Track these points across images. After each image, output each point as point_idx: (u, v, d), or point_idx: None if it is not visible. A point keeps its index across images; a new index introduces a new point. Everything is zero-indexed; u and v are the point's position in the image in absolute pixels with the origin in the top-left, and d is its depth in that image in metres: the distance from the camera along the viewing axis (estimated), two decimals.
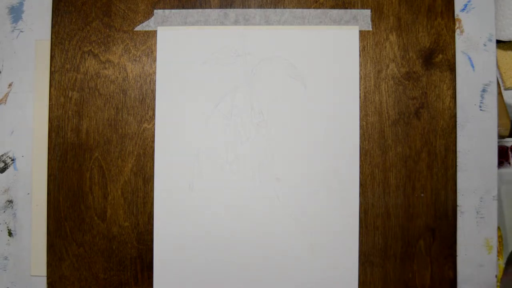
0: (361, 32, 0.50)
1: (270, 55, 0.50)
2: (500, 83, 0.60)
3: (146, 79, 0.50)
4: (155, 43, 0.51)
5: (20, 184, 0.51)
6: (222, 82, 0.50)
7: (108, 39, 0.51)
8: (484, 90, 0.51)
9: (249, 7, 0.51)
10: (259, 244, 0.49)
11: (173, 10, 0.51)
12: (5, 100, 0.51)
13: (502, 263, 0.55)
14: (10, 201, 0.51)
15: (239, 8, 0.51)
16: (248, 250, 0.49)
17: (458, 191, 0.50)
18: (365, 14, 0.50)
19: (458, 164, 0.50)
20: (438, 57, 0.50)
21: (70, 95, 0.50)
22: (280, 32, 0.50)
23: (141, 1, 0.51)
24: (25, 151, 0.51)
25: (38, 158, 0.51)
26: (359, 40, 0.50)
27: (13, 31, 0.52)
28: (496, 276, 0.50)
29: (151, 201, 0.49)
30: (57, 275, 0.50)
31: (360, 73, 0.50)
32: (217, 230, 0.49)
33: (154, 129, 0.50)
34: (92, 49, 0.51)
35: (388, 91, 0.50)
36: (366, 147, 0.50)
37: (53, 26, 0.51)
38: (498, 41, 0.57)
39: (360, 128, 0.50)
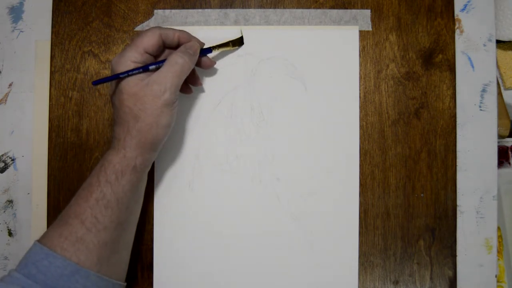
0: (361, 32, 0.50)
1: (270, 55, 0.50)
2: (500, 83, 0.60)
3: None
4: None
5: (20, 184, 0.51)
6: (222, 82, 0.50)
7: (108, 39, 0.51)
8: (484, 90, 0.51)
9: (249, 7, 0.51)
10: (259, 244, 0.49)
11: (173, 10, 0.51)
12: (5, 100, 0.51)
13: (502, 263, 0.55)
14: (10, 201, 0.51)
15: (239, 8, 0.51)
16: (248, 250, 0.49)
17: (458, 191, 0.50)
18: (365, 14, 0.50)
19: (458, 164, 0.50)
20: (438, 57, 0.50)
21: (70, 95, 0.50)
22: (280, 32, 0.50)
23: (141, 1, 0.51)
24: (25, 151, 0.51)
25: (38, 158, 0.51)
26: (359, 40, 0.50)
27: (13, 31, 0.52)
28: (496, 276, 0.50)
29: (151, 201, 0.49)
30: None
31: (360, 73, 0.50)
32: (217, 230, 0.49)
33: None
34: (92, 49, 0.51)
35: (388, 91, 0.50)
36: (366, 147, 0.50)
37: (53, 26, 0.51)
38: (498, 41, 0.57)
39: (360, 128, 0.50)
